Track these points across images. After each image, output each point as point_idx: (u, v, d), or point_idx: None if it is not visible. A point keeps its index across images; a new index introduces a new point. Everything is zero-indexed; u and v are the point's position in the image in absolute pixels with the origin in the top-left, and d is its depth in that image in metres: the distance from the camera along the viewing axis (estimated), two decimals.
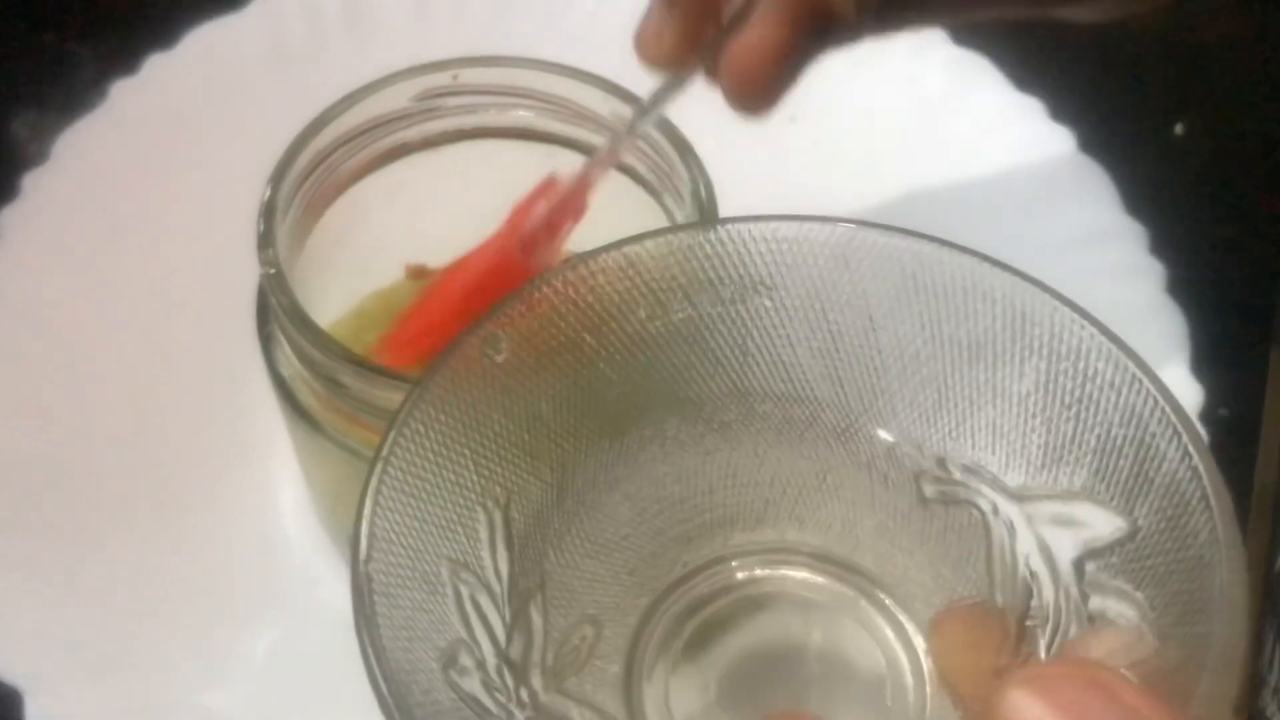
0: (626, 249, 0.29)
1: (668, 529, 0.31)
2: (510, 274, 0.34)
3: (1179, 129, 0.51)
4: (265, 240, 0.34)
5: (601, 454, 0.30)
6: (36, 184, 0.45)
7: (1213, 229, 0.47)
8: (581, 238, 0.40)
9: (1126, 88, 0.53)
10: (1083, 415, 0.27)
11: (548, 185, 0.35)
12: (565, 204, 0.35)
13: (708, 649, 0.30)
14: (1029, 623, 0.28)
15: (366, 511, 0.25)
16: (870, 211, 0.46)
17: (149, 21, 0.50)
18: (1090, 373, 0.27)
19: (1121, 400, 0.26)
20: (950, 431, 0.30)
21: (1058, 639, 0.27)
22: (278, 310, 0.33)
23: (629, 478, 0.30)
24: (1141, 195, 0.46)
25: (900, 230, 0.29)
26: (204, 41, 0.49)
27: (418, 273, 0.41)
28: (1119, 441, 0.26)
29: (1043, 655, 0.27)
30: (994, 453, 0.29)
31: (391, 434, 0.26)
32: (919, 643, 0.30)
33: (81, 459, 0.40)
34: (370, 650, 0.24)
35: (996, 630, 0.28)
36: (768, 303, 0.30)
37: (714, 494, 0.31)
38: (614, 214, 0.38)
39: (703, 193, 0.35)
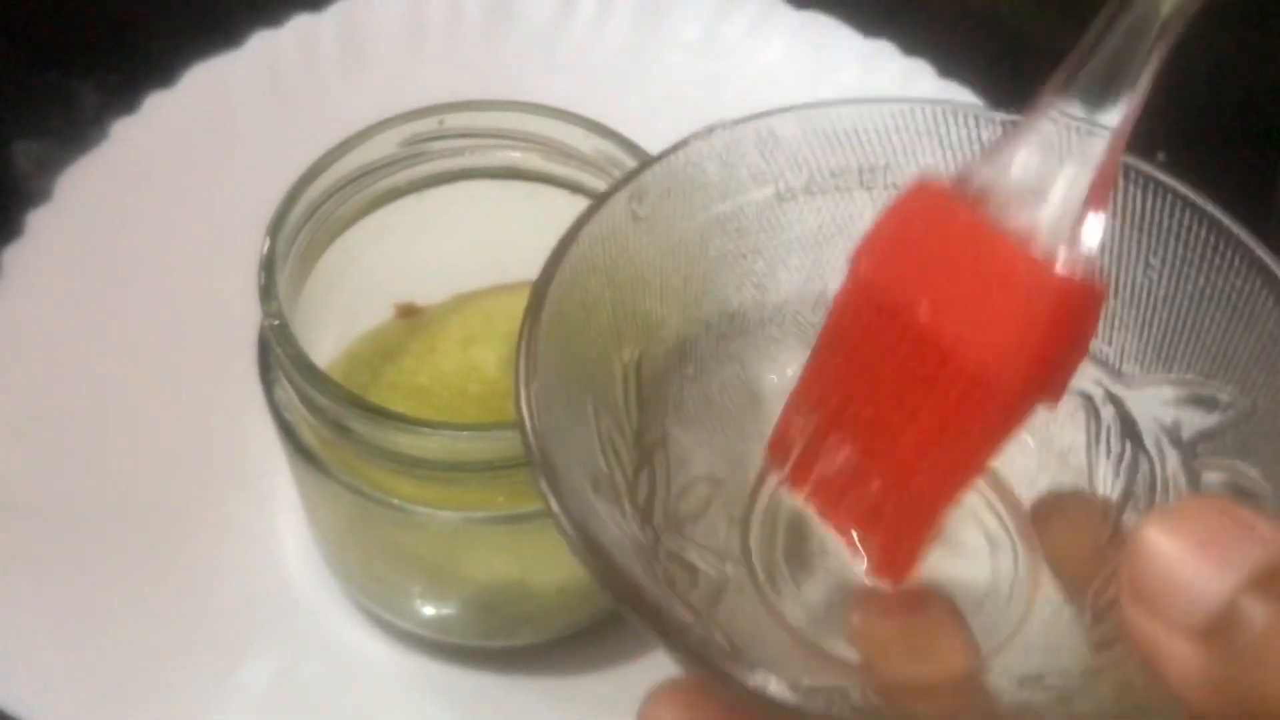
0: (769, 120, 0.29)
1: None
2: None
3: (1161, 157, 0.52)
4: (267, 292, 0.33)
5: (723, 326, 0.30)
6: (40, 222, 0.45)
7: None
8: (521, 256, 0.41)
9: None
10: (1204, 305, 0.28)
11: None
12: None
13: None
14: (1132, 504, 0.28)
15: (525, 337, 0.25)
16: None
17: (149, 59, 0.51)
18: (1215, 265, 0.28)
19: (1245, 288, 0.27)
20: None
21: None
22: (283, 359, 0.33)
23: (746, 356, 0.30)
24: None
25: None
26: (204, 79, 0.49)
27: (406, 311, 0.41)
28: (1239, 329, 0.27)
29: None
30: (1111, 343, 0.29)
31: (549, 267, 0.26)
32: (1020, 521, 0.30)
33: (84, 494, 0.40)
34: (539, 461, 0.23)
35: (1097, 513, 0.29)
36: (899, 185, 0.29)
37: None
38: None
39: None
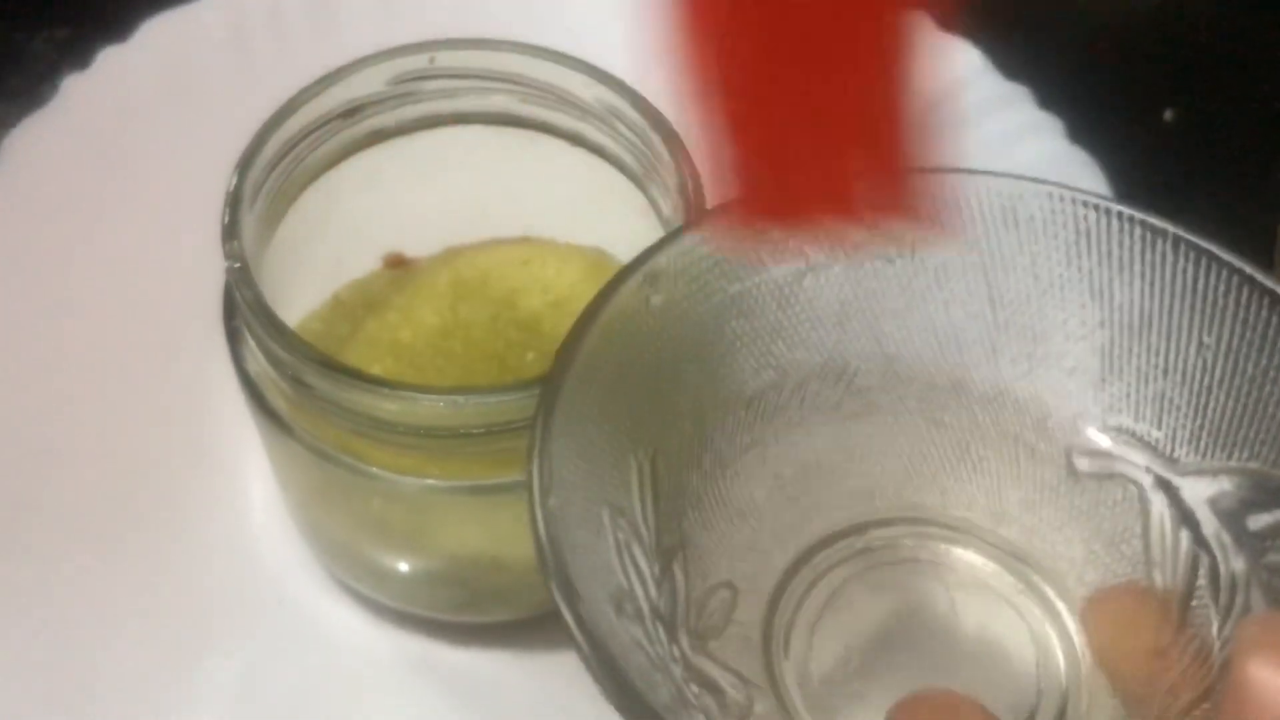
0: None
1: (805, 495, 0.29)
2: None
3: (1168, 115, 0.51)
4: (230, 231, 0.31)
5: (740, 412, 0.28)
6: None
7: (1205, 220, 0.47)
8: (560, 228, 0.39)
9: (1115, 74, 0.51)
10: (1267, 388, 0.26)
11: None
12: None
13: (847, 618, 0.29)
14: (1195, 602, 0.26)
15: (538, 446, 0.24)
16: None
17: (101, 11, 0.48)
18: (1276, 346, 0.26)
19: None
20: (1113, 404, 0.28)
21: (1232, 617, 0.26)
22: (243, 306, 0.31)
23: (766, 440, 0.29)
24: (1133, 186, 0.44)
25: (1074, 189, 0.27)
26: (160, 32, 0.47)
27: (395, 261, 0.39)
28: None
29: (1215, 634, 0.26)
30: (1160, 426, 0.28)
31: (560, 367, 0.25)
32: (1069, 620, 0.28)
33: (36, 469, 0.37)
34: (556, 583, 0.22)
35: (1155, 610, 0.27)
36: (926, 259, 0.28)
37: (852, 461, 0.30)
38: (596, 204, 0.36)
39: (689, 186, 0.33)
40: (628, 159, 0.35)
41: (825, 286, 0.29)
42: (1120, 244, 0.27)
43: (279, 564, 0.37)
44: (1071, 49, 0.52)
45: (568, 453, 0.24)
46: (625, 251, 0.38)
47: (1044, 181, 0.28)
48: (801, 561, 0.29)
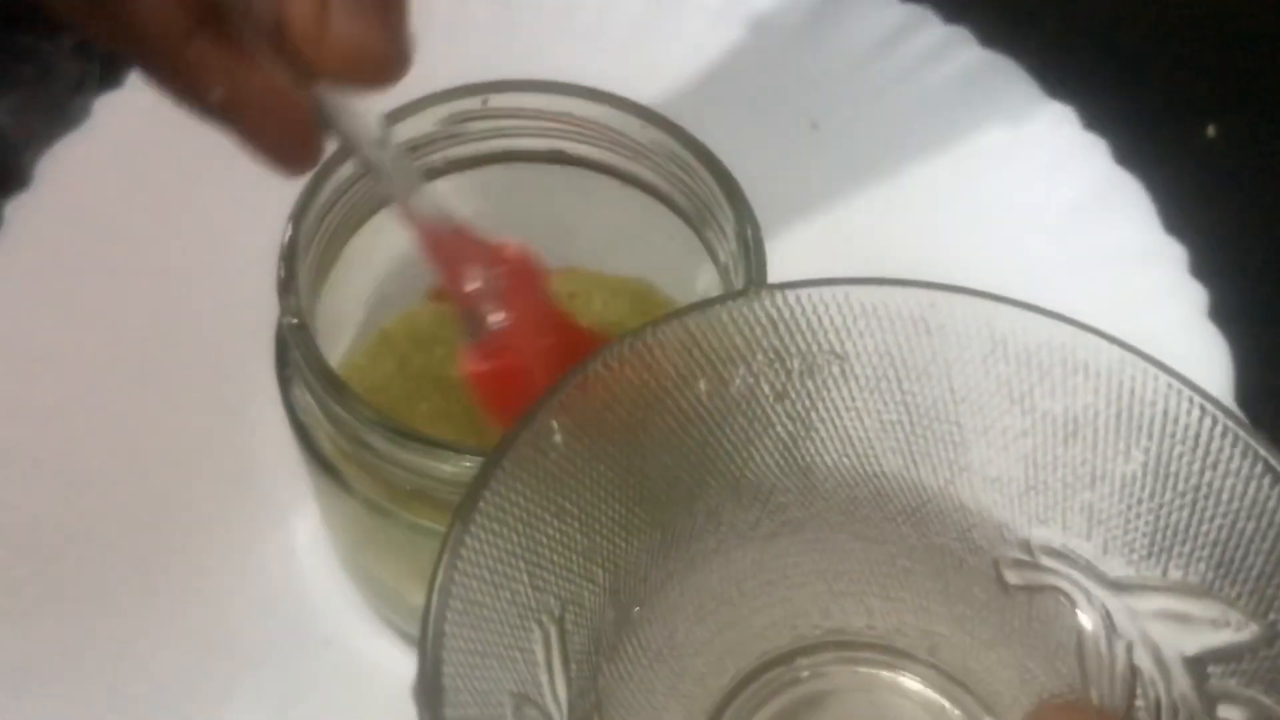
0: (687, 319, 0.26)
1: (728, 626, 0.28)
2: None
3: (1211, 131, 0.49)
4: (286, 286, 0.30)
5: (653, 546, 0.27)
6: (19, 211, 0.41)
7: (1255, 247, 0.46)
8: (609, 261, 0.39)
9: (1158, 90, 0.50)
10: (1200, 504, 0.24)
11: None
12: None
13: None
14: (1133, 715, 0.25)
15: (429, 663, 0.21)
16: (893, 228, 0.44)
17: None
18: (1211, 460, 0.24)
19: (1250, 491, 0.24)
20: (1039, 514, 0.27)
21: None
22: (300, 364, 0.30)
23: (683, 571, 0.27)
24: (1180, 212, 0.43)
25: (987, 294, 0.26)
26: None
27: (439, 295, 0.37)
28: (1247, 535, 0.24)
29: None
30: (1089, 539, 0.26)
31: (446, 559, 0.23)
32: None
33: (76, 510, 0.37)
34: None
35: None
36: (836, 372, 0.27)
37: (775, 585, 0.28)
38: (645, 240, 0.36)
39: (749, 232, 0.32)
40: (681, 201, 0.35)
41: (732, 409, 0.27)
42: (1038, 347, 0.26)
43: (325, 601, 0.37)
44: (1112, 62, 0.51)
45: (461, 655, 0.22)
46: (674, 287, 0.38)
47: (955, 289, 0.26)
48: (728, 701, 0.28)
